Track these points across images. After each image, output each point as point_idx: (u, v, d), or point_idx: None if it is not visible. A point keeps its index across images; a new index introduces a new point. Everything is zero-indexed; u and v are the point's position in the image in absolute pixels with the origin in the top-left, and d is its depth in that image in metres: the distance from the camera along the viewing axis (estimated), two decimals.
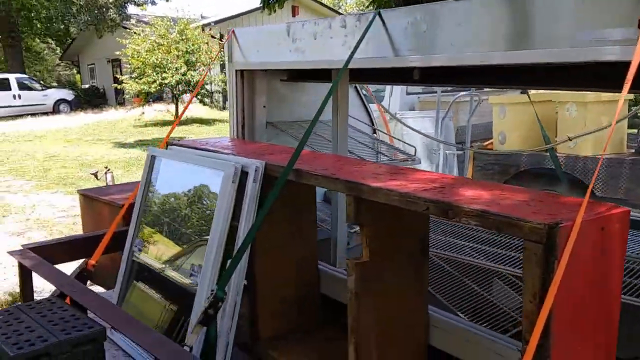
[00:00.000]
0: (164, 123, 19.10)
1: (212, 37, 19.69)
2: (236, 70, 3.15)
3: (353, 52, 2.23)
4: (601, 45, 1.55)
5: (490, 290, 2.58)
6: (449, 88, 6.90)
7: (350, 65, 2.31)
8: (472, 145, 5.95)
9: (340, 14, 30.60)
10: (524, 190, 1.72)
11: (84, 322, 2.04)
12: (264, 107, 3.28)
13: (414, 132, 5.31)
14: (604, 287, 1.48)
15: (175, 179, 2.63)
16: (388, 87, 7.16)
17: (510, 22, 1.79)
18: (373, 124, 3.88)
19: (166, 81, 18.00)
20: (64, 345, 1.91)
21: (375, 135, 3.84)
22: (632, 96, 7.51)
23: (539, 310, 1.36)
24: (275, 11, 11.41)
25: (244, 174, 2.30)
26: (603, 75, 1.80)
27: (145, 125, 18.80)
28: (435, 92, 6.72)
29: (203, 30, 19.49)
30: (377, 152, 3.52)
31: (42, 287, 4.15)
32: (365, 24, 2.29)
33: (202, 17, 27.98)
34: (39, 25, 30.74)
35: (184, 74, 17.93)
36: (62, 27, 29.43)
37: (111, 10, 22.96)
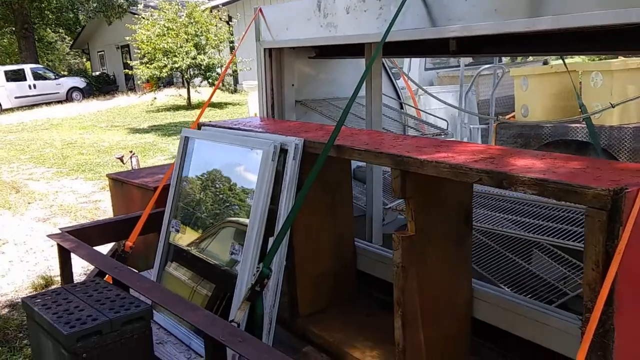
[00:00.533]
0: (177, 107, 19.13)
1: (220, 19, 19.54)
2: (264, 49, 3.12)
3: (391, 25, 2.19)
4: None
5: (530, 261, 2.56)
6: (468, 61, 6.81)
7: (395, 38, 2.27)
8: (497, 118, 5.88)
9: None
10: (577, 158, 1.70)
11: (131, 301, 2.07)
12: (293, 85, 3.25)
13: (437, 106, 5.27)
14: None
15: (210, 159, 2.62)
16: (406, 63, 7.08)
17: None
18: (400, 98, 3.84)
19: (177, 65, 17.96)
20: (114, 324, 1.95)
21: (403, 109, 3.81)
22: None
23: (602, 277, 1.35)
24: None
25: (282, 152, 2.29)
26: None
27: (158, 111, 18.84)
28: (453, 66, 6.64)
29: (211, 12, 19.35)
30: (405, 126, 3.49)
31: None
32: None
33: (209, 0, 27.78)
34: (50, 16, 30.84)
35: (194, 58, 17.87)
36: (72, 15, 29.54)
37: None
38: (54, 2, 27.71)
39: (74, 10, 27.95)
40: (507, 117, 6.20)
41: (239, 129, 2.70)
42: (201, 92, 19.59)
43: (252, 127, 2.74)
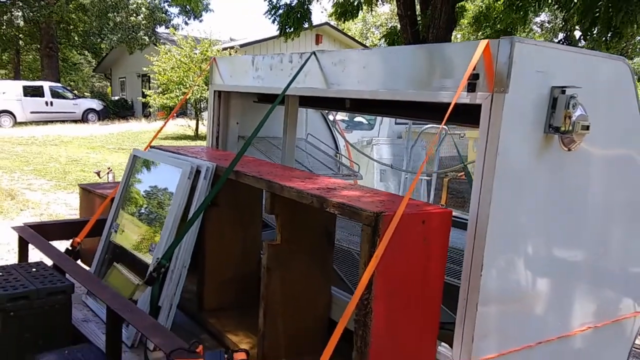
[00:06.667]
0: (184, 137, 19.98)
1: None
2: (215, 91, 3.76)
3: (289, 83, 2.82)
4: (443, 90, 2.10)
5: None
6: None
7: (295, 93, 2.90)
8: (447, 174, 6.46)
9: (364, 45, 31.46)
10: (389, 195, 2.26)
11: (59, 278, 2.62)
12: (237, 123, 3.88)
13: (386, 156, 5.87)
14: (426, 267, 2.00)
15: (150, 174, 3.21)
16: (379, 119, 7.77)
17: (394, 69, 2.35)
18: (337, 148, 4.47)
19: (187, 97, 18.99)
20: (40, 292, 2.49)
21: (337, 157, 4.42)
22: None
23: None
24: (292, 39, 12.14)
25: (198, 172, 2.88)
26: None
27: (166, 138, 19.67)
28: (420, 124, 7.28)
29: (225, 50, 20.51)
30: (333, 169, 4.09)
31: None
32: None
33: (231, 40, 29.14)
34: (76, 38, 32.50)
35: (203, 92, 18.90)
36: (99, 40, 31.16)
37: (142, 32, 24.36)
38: (81, 25, 29.32)
39: (101, 36, 29.53)
40: (460, 174, 6.78)
41: (178, 152, 3.30)
42: (205, 124, 20.55)
43: (189, 152, 3.34)
